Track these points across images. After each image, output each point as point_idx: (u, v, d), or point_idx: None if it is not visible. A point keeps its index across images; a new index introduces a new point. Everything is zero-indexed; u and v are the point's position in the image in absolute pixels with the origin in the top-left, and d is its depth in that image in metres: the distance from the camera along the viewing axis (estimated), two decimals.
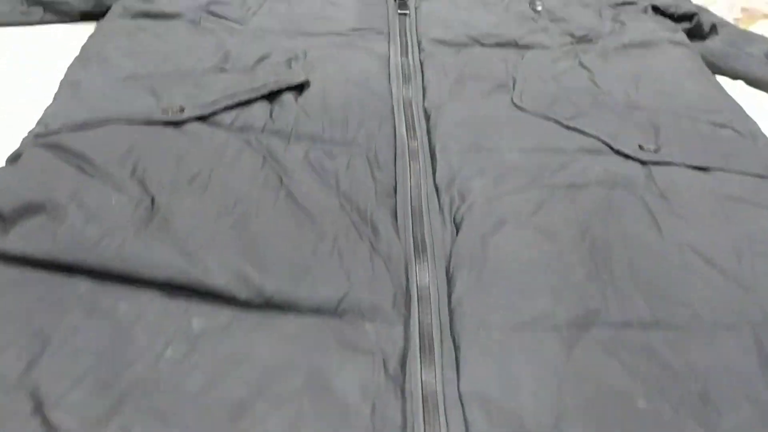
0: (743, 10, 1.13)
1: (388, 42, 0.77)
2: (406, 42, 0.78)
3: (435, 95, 0.70)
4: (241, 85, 0.66)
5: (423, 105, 0.69)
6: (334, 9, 0.81)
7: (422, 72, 0.73)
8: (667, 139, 0.66)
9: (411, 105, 0.68)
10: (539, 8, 0.87)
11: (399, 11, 0.81)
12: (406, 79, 0.72)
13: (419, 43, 0.77)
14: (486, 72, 0.75)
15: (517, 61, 0.77)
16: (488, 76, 0.74)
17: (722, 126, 0.68)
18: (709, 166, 0.63)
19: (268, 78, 0.68)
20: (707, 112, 0.70)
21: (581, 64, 0.78)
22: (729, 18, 1.03)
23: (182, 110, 0.62)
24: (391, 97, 0.69)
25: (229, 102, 0.64)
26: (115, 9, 0.78)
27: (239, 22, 0.78)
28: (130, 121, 0.59)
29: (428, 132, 0.65)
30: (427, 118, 0.67)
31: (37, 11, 0.78)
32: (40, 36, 0.79)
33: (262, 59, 0.73)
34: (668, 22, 0.87)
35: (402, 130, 0.65)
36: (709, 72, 0.80)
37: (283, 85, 0.67)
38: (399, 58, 0.75)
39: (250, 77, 0.68)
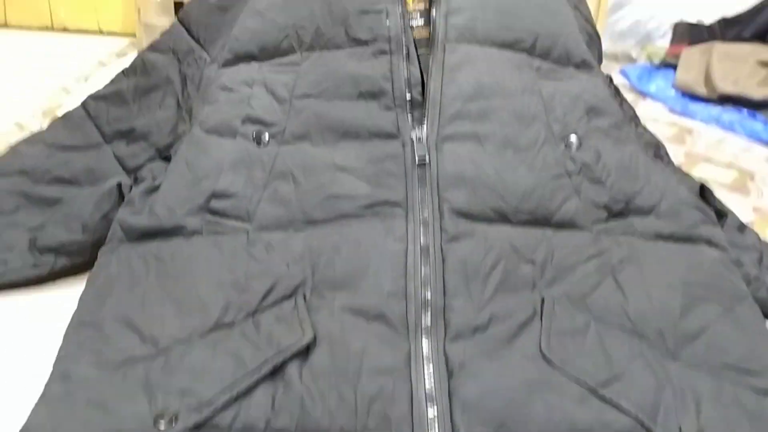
0: (755, 209, 1.07)
1: (406, 219, 0.68)
2: (426, 217, 0.68)
3: (457, 330, 0.62)
4: (242, 366, 0.60)
5: (444, 350, 0.61)
6: (344, 177, 0.71)
7: (443, 274, 0.65)
8: (708, 420, 0.58)
9: (432, 352, 0.60)
10: (574, 146, 0.77)
11: (418, 162, 0.71)
12: (425, 283, 0.65)
13: (441, 216, 0.68)
14: (511, 286, 0.66)
15: (546, 262, 0.69)
16: (514, 296, 0.65)
17: (766, 394, 0.61)
18: None
19: (270, 349, 0.61)
20: (750, 373, 0.63)
21: (615, 281, 0.70)
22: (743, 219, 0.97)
23: (176, 418, 0.55)
24: (408, 333, 0.62)
25: (228, 396, 0.57)
26: (114, 231, 0.74)
27: (244, 219, 0.71)
28: None
29: (449, 394, 0.58)
30: (450, 372, 0.59)
31: (49, 259, 0.75)
32: (46, 299, 0.75)
33: (267, 295, 0.67)
34: (711, 214, 0.79)
35: (420, 394, 0.57)
36: (747, 294, 0.72)
37: (288, 354, 0.61)
38: (418, 255, 0.66)
39: (252, 350, 0.61)
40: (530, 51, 0.78)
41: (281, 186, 0.73)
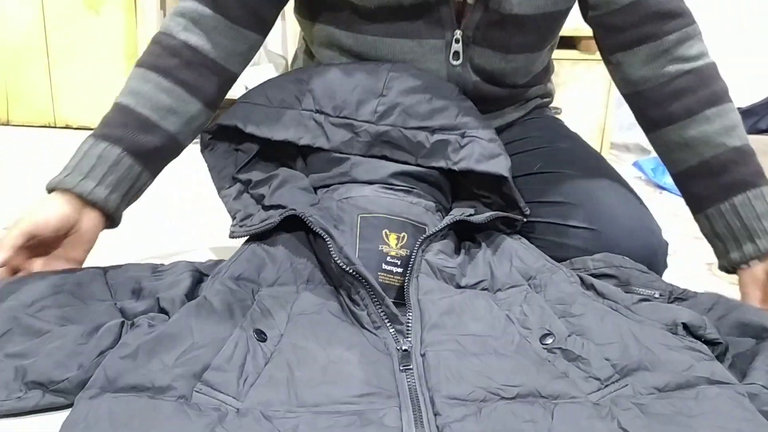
0: None
1: (400, 408, 0.67)
2: (419, 406, 0.67)
3: None
4: None
5: None
6: (338, 369, 0.72)
7: None
8: None
9: None
10: (549, 341, 0.77)
11: (402, 367, 0.72)
12: None
13: (432, 404, 0.67)
14: None
15: (546, 420, 0.65)
16: None
17: None
18: None
19: None
20: None
21: (621, 427, 0.64)
22: None
23: None
24: None
25: None
26: (98, 377, 0.67)
27: (235, 397, 0.66)
28: None
29: None
30: None
31: (36, 395, 0.67)
32: None
33: None
34: (704, 350, 0.74)
35: None
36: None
37: None
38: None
39: None
40: (489, 290, 0.84)
41: (276, 372, 0.71)
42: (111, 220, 0.80)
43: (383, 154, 0.91)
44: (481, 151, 0.90)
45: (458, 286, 0.82)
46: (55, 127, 1.94)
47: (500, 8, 0.80)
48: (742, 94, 1.92)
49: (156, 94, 0.78)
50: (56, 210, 0.76)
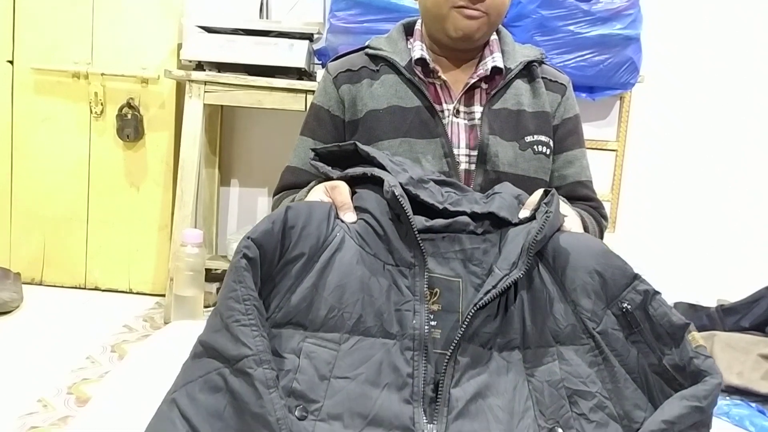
0: None
1: None
2: None
3: None
4: None
5: None
6: None
7: None
8: None
9: None
10: None
11: None
12: None
13: None
14: None
15: None
16: None
17: None
18: None
19: None
20: None
21: None
22: None
23: None
24: None
25: None
26: None
27: None
28: None
29: None
30: None
31: None
32: None
33: None
34: None
35: None
36: None
37: None
38: None
39: None
40: (520, 347, 0.89)
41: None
42: None
43: (418, 193, 0.96)
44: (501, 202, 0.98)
45: (490, 349, 0.88)
46: (84, 288, 2.07)
47: (494, 168, 1.03)
48: (727, 293, 2.06)
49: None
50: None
